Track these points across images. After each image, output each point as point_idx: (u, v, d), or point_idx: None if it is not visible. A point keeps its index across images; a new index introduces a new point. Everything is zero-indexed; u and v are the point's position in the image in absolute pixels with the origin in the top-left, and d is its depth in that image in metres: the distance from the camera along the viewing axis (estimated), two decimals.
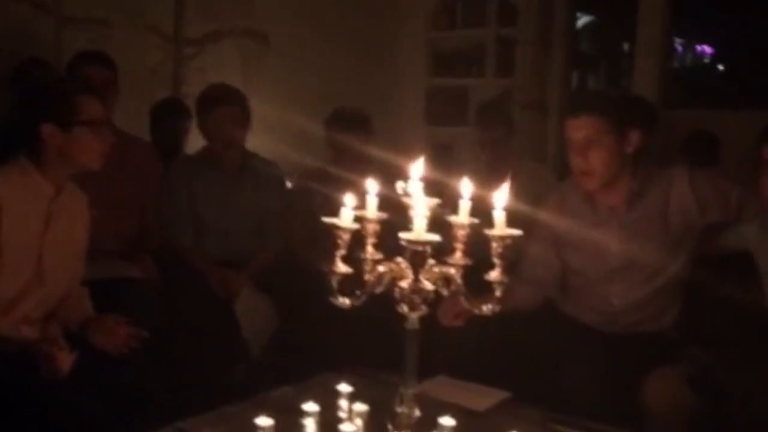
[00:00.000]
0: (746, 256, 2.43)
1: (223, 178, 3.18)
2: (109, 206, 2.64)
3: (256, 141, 3.27)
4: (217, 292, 2.99)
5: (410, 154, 1.62)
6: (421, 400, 1.63)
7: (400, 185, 1.56)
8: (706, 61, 5.54)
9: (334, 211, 1.59)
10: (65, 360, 2.04)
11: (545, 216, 2.63)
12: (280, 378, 2.17)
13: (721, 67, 5.43)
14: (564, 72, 4.48)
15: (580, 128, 2.41)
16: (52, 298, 2.24)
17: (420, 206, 1.50)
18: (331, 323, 2.52)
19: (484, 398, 2.07)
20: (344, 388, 2.01)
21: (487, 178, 1.59)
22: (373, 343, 2.59)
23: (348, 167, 3.00)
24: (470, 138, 3.76)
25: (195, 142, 3.38)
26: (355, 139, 3.17)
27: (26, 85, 2.96)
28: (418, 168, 1.56)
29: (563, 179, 2.90)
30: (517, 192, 1.60)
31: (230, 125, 3.08)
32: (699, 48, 5.56)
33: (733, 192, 2.45)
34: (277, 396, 2.06)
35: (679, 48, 5.44)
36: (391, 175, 1.63)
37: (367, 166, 2.72)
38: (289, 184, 3.41)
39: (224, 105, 3.07)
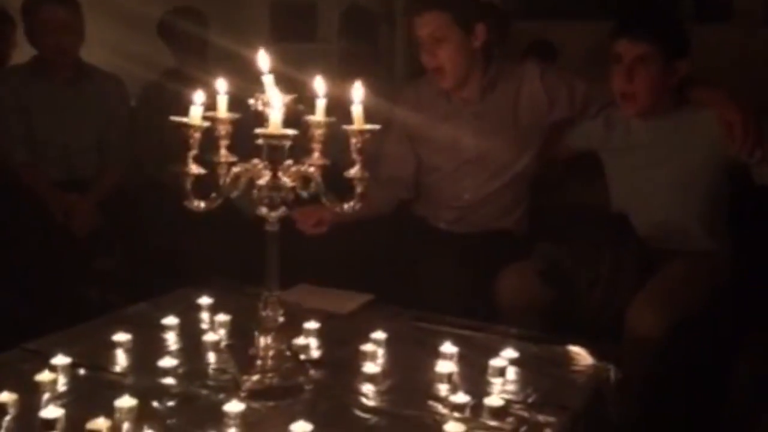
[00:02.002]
0: (591, 157, 2.56)
1: (57, 89, 2.93)
2: None
3: (94, 51, 3.02)
4: (56, 217, 2.79)
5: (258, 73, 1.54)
6: (284, 308, 1.60)
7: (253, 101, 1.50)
8: None
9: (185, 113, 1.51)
10: None
11: (401, 111, 2.66)
12: (134, 296, 2.07)
13: None
14: None
15: (424, 25, 2.45)
16: None
17: (275, 100, 1.44)
18: (185, 238, 2.46)
19: (347, 302, 2.08)
20: (205, 300, 1.96)
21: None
22: (231, 256, 2.54)
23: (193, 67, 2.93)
24: (325, 53, 3.64)
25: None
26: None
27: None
28: (265, 60, 1.51)
29: None
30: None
31: (59, 28, 2.83)
32: None
33: (581, 86, 2.54)
34: (133, 312, 1.98)
35: None
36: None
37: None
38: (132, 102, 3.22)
39: (50, 5, 2.81)
